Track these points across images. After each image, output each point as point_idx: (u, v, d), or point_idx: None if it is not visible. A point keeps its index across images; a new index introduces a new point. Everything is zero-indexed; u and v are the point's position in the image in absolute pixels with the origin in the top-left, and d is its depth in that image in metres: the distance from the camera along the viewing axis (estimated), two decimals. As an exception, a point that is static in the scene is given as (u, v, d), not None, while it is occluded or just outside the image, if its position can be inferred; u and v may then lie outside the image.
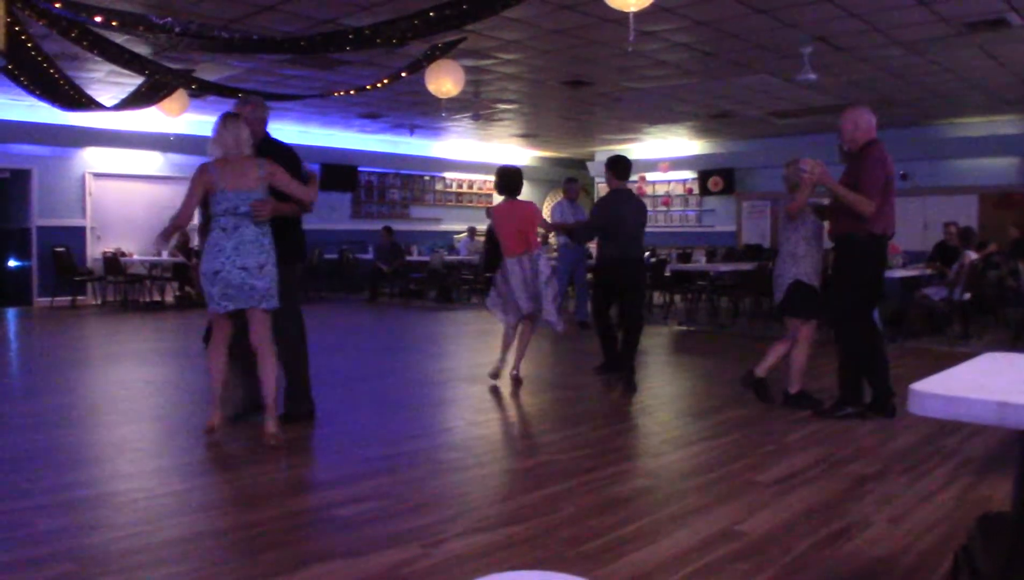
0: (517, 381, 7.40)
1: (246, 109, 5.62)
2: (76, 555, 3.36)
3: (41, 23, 7.53)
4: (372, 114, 15.46)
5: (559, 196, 21.23)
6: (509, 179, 7.46)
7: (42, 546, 3.45)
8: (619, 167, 7.56)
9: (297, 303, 5.77)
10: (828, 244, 6.28)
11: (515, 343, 7.48)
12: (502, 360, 7.48)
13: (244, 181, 5.04)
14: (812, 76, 9.99)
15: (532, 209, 7.46)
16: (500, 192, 7.52)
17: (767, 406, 6.33)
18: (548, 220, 9.72)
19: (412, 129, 17.32)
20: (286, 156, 5.62)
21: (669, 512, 3.92)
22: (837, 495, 4.18)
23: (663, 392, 7.39)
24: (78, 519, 3.82)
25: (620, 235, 7.36)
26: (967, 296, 10.04)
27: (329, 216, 18.10)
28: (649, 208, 19.60)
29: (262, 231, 5.11)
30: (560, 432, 5.61)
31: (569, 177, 12.27)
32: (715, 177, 18.91)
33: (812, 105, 13.76)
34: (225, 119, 5.19)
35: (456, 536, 3.57)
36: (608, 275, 7.55)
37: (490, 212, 7.38)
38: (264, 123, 5.76)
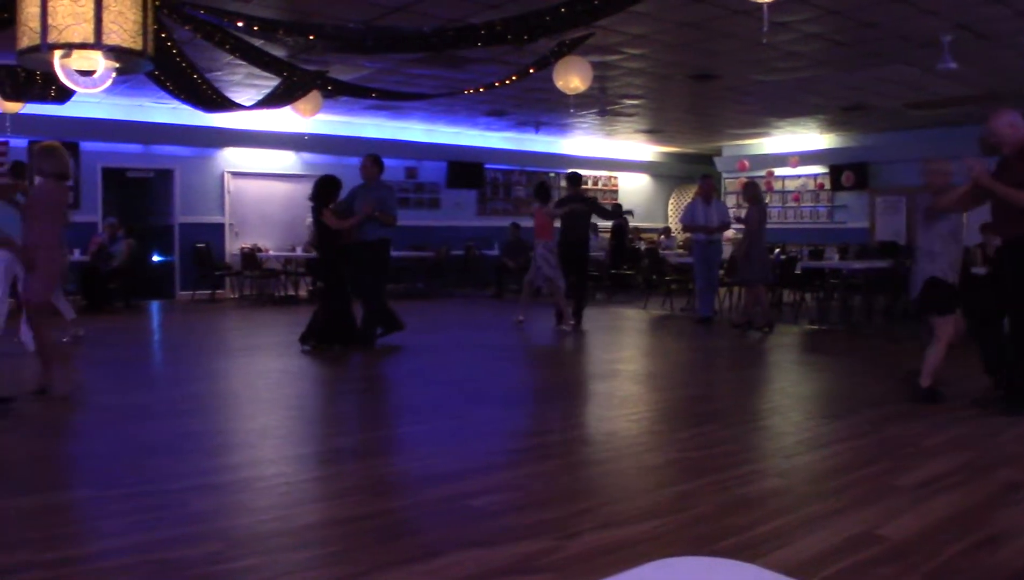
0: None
1: None
2: (223, 535, 3.51)
3: (186, 28, 7.89)
4: (498, 112, 15.58)
5: (686, 193, 21.02)
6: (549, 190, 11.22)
7: (192, 525, 3.62)
8: (572, 179, 11.56)
9: None
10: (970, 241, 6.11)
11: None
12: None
13: None
14: (953, 65, 9.58)
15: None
16: (541, 198, 10.82)
17: (908, 407, 6.09)
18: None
19: (538, 126, 17.40)
20: None
21: (805, 513, 3.82)
22: (984, 501, 3.99)
23: (795, 392, 7.22)
24: (224, 501, 4.00)
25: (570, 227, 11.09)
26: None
27: (456, 213, 18.39)
28: (778, 204, 19.49)
29: None
30: (690, 430, 5.55)
31: (704, 174, 12.26)
32: (847, 172, 18.30)
33: (951, 96, 13.18)
34: None
35: (588, 530, 3.57)
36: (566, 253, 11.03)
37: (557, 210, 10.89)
38: None
